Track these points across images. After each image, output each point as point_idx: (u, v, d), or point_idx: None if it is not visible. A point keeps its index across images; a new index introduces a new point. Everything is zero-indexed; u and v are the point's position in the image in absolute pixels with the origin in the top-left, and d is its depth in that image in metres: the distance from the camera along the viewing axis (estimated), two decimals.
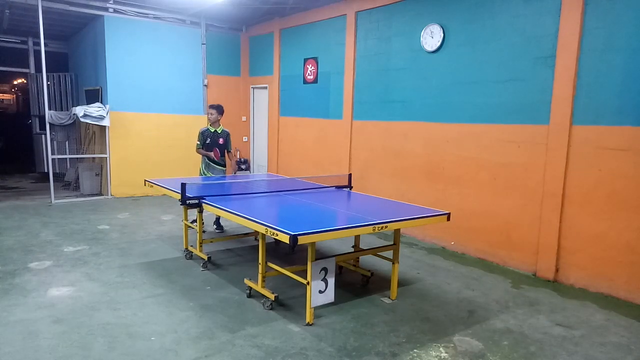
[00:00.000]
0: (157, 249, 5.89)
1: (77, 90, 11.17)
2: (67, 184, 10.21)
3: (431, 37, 6.29)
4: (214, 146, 6.57)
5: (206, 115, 6.76)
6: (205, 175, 6.67)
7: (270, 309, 4.15)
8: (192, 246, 5.60)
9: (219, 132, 6.60)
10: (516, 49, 5.38)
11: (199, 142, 6.62)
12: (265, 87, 10.00)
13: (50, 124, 8.88)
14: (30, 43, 11.39)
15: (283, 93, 9.43)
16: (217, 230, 6.83)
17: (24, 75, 13.77)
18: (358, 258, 5.23)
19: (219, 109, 6.62)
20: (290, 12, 8.86)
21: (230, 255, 5.74)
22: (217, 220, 6.85)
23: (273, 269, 4.37)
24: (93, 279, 4.79)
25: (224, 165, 6.78)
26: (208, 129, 6.62)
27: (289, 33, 9.15)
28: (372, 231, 3.87)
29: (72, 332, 3.65)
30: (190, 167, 7.87)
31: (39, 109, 11.08)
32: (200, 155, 6.71)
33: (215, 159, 6.60)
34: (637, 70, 4.44)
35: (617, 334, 3.92)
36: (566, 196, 5.01)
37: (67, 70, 11.76)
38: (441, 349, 3.58)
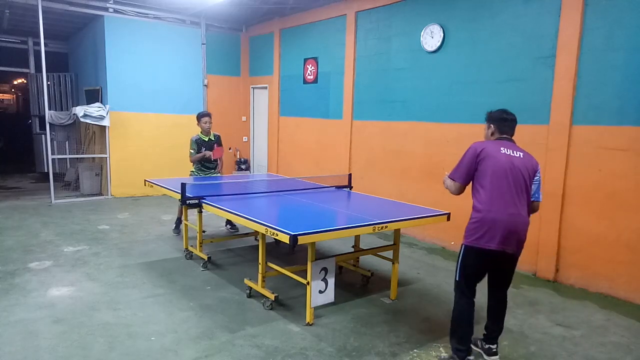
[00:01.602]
0: (157, 249, 5.89)
1: (77, 90, 11.17)
2: (67, 184, 10.21)
3: (431, 37, 6.29)
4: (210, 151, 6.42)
5: (202, 125, 6.35)
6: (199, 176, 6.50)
7: (270, 309, 4.15)
8: (192, 246, 5.60)
9: (213, 139, 6.45)
10: (516, 49, 5.38)
11: (193, 150, 6.34)
12: (265, 87, 10.00)
13: (50, 124, 8.89)
14: (30, 43, 11.39)
15: (283, 93, 9.43)
16: (231, 230, 6.79)
17: (24, 75, 13.77)
18: (358, 258, 5.23)
19: (210, 116, 6.46)
20: (290, 12, 8.86)
21: (230, 255, 5.74)
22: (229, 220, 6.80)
23: (273, 269, 4.37)
24: (93, 279, 4.79)
25: (215, 168, 6.66)
26: (201, 137, 6.39)
27: (289, 33, 9.15)
28: (372, 231, 3.87)
29: (72, 332, 3.65)
30: (190, 167, 7.84)
31: (39, 109, 11.09)
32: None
33: (215, 156, 6.44)
34: (637, 70, 4.44)
35: (617, 334, 3.92)
36: (566, 196, 5.01)
37: (67, 70, 11.77)
38: (441, 349, 3.57)
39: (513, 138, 3.44)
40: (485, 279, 3.40)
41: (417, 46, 6.52)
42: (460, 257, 3.30)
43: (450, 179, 3.38)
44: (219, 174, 6.75)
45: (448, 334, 3.78)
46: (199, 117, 6.43)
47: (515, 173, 3.19)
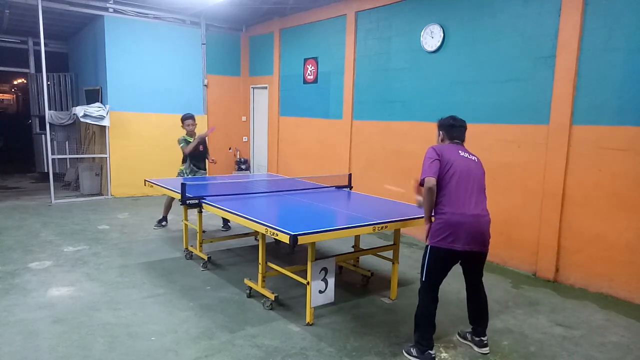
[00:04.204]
0: (157, 249, 5.89)
1: (77, 90, 11.17)
2: (67, 184, 10.21)
3: (431, 37, 6.29)
4: (197, 155, 6.61)
5: (186, 127, 6.58)
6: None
7: (270, 309, 4.15)
8: (192, 246, 5.61)
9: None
10: (516, 49, 5.38)
11: (184, 143, 6.53)
12: (265, 87, 10.00)
13: (50, 124, 8.89)
14: (30, 43, 11.39)
15: (283, 93, 9.43)
16: (222, 229, 6.89)
17: (24, 75, 13.78)
18: (358, 258, 5.23)
19: (194, 118, 6.65)
20: (290, 12, 8.86)
21: (230, 255, 5.74)
22: (224, 220, 6.92)
23: (273, 269, 4.37)
24: (93, 279, 4.79)
25: (206, 169, 6.86)
26: (186, 139, 6.57)
27: (289, 33, 9.15)
28: (372, 231, 3.87)
29: (72, 332, 3.65)
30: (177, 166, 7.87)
31: (39, 109, 11.09)
32: (181, 159, 6.69)
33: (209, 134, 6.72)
34: (637, 70, 4.44)
35: (617, 334, 3.92)
36: (566, 196, 5.01)
37: (67, 70, 11.77)
38: (441, 349, 3.58)
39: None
40: (462, 278, 3.56)
41: (417, 46, 6.52)
42: (427, 258, 3.36)
43: (422, 178, 3.27)
44: (206, 174, 6.94)
45: (447, 334, 3.80)
46: (183, 119, 6.62)
47: (474, 174, 3.34)
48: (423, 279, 3.39)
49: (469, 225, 3.21)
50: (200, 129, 6.80)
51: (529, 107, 5.29)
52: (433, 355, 3.32)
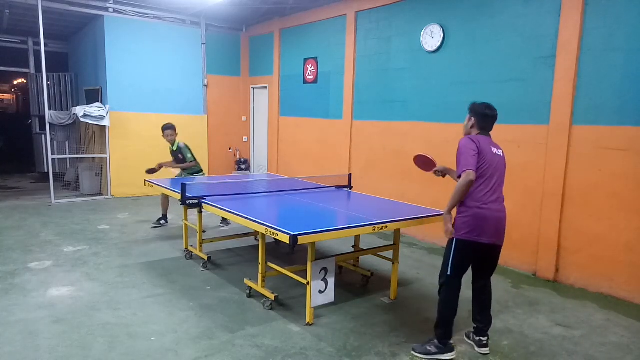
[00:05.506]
0: (157, 249, 5.89)
1: (77, 90, 11.17)
2: (67, 184, 10.21)
3: (431, 37, 6.29)
4: (177, 162, 6.85)
5: (164, 137, 6.75)
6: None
7: (270, 309, 4.15)
8: (192, 246, 5.61)
9: (175, 149, 6.78)
10: (516, 49, 5.38)
11: (189, 155, 6.75)
12: (265, 87, 10.00)
13: (50, 124, 8.89)
14: (30, 43, 11.40)
15: (283, 93, 9.43)
16: (221, 225, 7.02)
17: (24, 75, 13.78)
18: (358, 258, 5.23)
19: (174, 128, 6.79)
20: (290, 12, 8.86)
21: (230, 255, 5.74)
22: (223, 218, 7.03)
23: (273, 269, 4.37)
24: (93, 279, 4.79)
25: (200, 171, 6.96)
26: (170, 148, 6.81)
27: (289, 33, 9.15)
28: (372, 231, 3.87)
29: (72, 332, 3.65)
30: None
31: (39, 109, 11.09)
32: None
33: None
34: (637, 70, 4.44)
35: (617, 334, 3.92)
36: (566, 196, 5.01)
37: (67, 70, 11.77)
38: None
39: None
40: (465, 277, 3.52)
41: (417, 46, 6.52)
42: (453, 251, 3.35)
43: (463, 170, 3.20)
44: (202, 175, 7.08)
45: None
46: (162, 129, 6.77)
47: (500, 172, 3.39)
48: (449, 273, 3.38)
49: (495, 219, 3.28)
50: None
51: (529, 107, 5.29)
52: (453, 344, 3.39)
